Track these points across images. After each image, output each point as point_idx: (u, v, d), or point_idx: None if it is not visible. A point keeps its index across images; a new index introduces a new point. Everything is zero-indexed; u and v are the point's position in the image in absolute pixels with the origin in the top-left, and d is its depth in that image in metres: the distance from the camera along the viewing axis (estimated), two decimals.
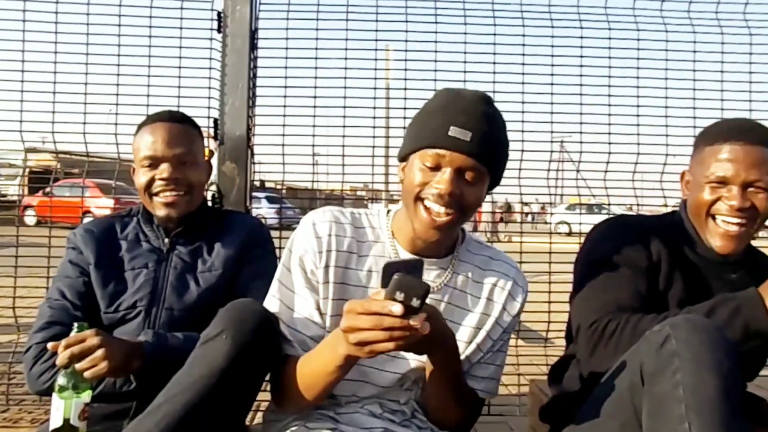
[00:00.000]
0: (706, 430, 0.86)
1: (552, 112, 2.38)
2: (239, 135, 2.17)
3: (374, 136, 2.36)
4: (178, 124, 1.51)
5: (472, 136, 1.05)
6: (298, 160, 2.38)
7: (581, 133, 2.43)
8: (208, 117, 2.19)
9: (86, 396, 1.13)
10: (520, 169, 2.38)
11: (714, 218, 1.27)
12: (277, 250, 1.63)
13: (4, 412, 2.26)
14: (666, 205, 2.42)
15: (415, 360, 1.16)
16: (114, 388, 1.30)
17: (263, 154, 2.32)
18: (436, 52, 2.33)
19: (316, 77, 2.29)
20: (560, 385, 1.45)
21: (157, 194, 1.46)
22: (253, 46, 2.24)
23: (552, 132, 2.40)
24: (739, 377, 0.92)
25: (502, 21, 2.38)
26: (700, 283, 1.30)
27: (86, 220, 1.78)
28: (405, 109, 2.29)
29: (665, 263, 1.30)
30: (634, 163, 2.38)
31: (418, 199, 1.09)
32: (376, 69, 2.34)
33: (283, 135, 2.26)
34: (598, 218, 1.51)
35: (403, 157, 1.16)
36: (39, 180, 4.70)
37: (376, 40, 2.35)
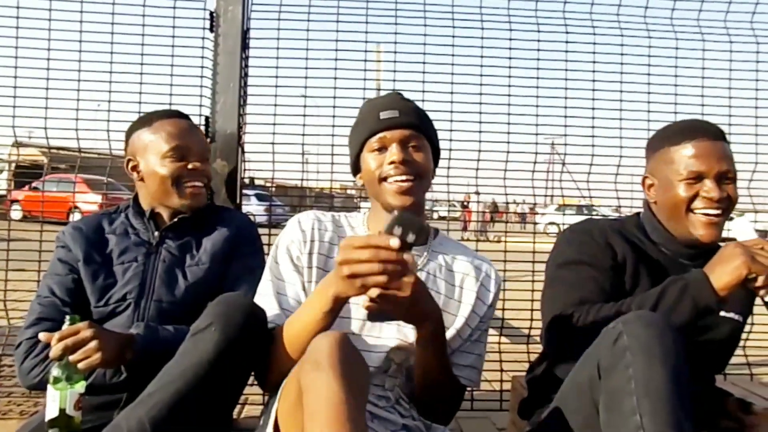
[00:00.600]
0: (655, 421, 0.91)
1: (537, 115, 2.43)
2: (230, 133, 2.20)
3: None
4: (191, 122, 1.58)
5: (399, 112, 1.27)
6: (288, 159, 2.42)
7: (565, 135, 2.49)
8: (200, 115, 2.22)
9: (80, 387, 1.15)
10: (505, 170, 2.43)
11: (693, 212, 1.33)
12: (266, 248, 1.66)
13: None
14: None
15: (400, 340, 1.22)
16: (105, 379, 1.32)
17: (254, 152, 2.35)
18: (424, 54, 2.37)
19: (306, 77, 2.32)
20: (535, 382, 1.50)
21: (185, 184, 1.51)
22: (245, 46, 2.27)
23: (537, 134, 2.45)
24: (685, 364, 0.97)
25: (490, 24, 2.44)
26: (665, 279, 1.35)
27: (73, 216, 1.81)
28: None
29: (630, 263, 1.36)
30: (616, 165, 2.44)
31: (382, 180, 1.26)
32: (365, 70, 2.38)
33: (274, 133, 2.30)
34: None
35: (356, 167, 1.34)
36: (25, 175, 4.64)
37: (366, 41, 2.39)
